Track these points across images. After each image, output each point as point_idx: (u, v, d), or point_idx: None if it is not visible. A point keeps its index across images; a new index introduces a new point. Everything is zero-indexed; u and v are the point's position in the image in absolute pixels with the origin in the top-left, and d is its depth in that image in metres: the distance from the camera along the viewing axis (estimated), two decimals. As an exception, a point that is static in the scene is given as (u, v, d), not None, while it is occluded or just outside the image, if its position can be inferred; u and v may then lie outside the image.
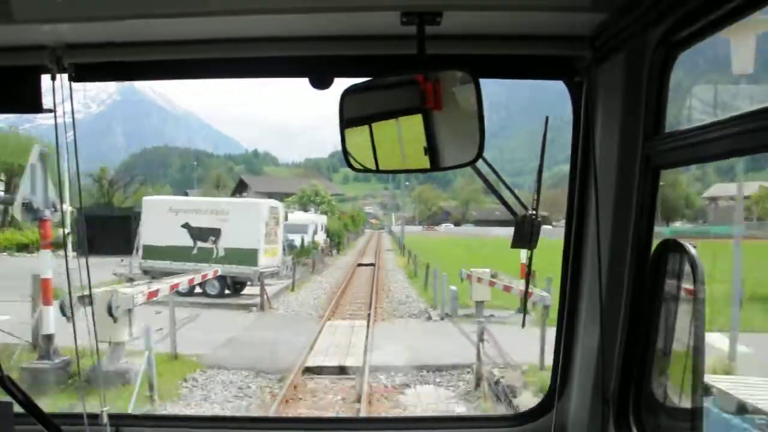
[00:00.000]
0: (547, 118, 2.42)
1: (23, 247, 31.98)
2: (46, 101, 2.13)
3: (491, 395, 10.83)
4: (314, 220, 37.54)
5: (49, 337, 11.85)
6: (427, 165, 1.91)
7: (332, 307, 20.06)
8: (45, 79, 2.10)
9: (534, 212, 2.19)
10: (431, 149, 1.89)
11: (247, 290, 21.68)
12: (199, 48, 2.04)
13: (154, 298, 13.01)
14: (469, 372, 12.39)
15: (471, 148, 1.83)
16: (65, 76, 2.06)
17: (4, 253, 31.74)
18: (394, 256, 37.46)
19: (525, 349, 12.02)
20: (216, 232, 21.60)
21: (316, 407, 11.04)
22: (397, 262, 34.44)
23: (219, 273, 18.54)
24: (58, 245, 13.00)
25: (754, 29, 6.41)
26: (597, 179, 2.10)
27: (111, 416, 2.36)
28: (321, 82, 2.12)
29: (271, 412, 10.50)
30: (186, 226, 21.54)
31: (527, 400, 9.70)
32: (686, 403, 1.87)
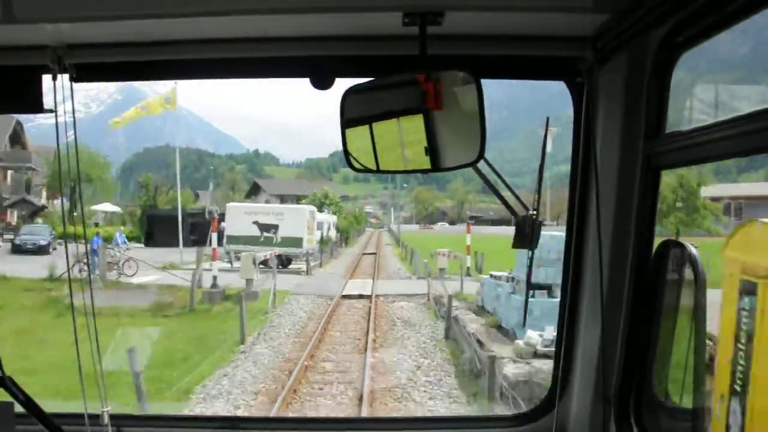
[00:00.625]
0: (547, 119, 2.42)
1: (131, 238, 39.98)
2: (47, 101, 2.13)
3: (432, 303, 21.63)
4: (328, 219, 46.20)
5: (215, 277, 23.45)
6: (428, 165, 1.91)
7: (350, 273, 31.20)
8: (46, 79, 2.10)
9: (535, 212, 2.19)
10: (432, 150, 1.88)
11: (292, 265, 32.47)
12: (200, 48, 2.04)
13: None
14: (424, 296, 23.16)
15: (472, 149, 1.82)
16: (66, 76, 2.06)
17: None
18: (391, 249, 47.75)
19: (456, 289, 23.15)
20: (276, 227, 32.82)
21: (348, 314, 20.18)
22: (394, 252, 45.40)
23: (277, 253, 28.98)
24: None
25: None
26: (598, 180, 2.10)
27: (112, 416, 2.36)
28: (322, 82, 2.11)
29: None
30: (256, 222, 32.82)
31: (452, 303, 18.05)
32: (687, 403, 1.87)
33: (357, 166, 1.95)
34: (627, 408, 2.14)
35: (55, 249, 31.78)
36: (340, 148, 1.97)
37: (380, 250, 44.25)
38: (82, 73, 2.07)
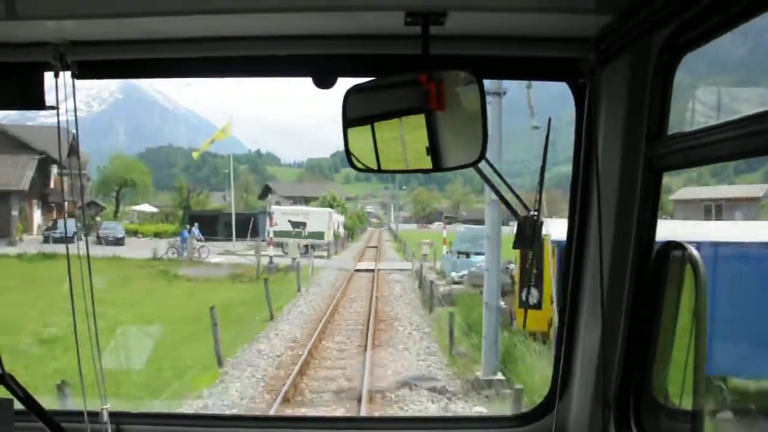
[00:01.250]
0: (549, 120, 2.42)
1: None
2: (49, 98, 2.13)
3: (416, 274, 28.64)
4: (337, 218, 54.36)
5: (271, 257, 32.30)
6: (429, 165, 1.91)
7: (358, 258, 41.25)
8: (48, 76, 2.10)
9: (536, 213, 2.19)
10: (433, 150, 1.88)
11: (315, 253, 39.68)
12: (203, 46, 2.04)
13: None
14: (410, 270, 31.56)
15: (474, 149, 1.82)
16: (68, 73, 2.06)
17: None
18: (390, 243, 58.77)
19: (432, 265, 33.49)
20: (304, 224, 42.72)
21: (360, 280, 28.57)
22: (392, 246, 56.25)
23: (305, 243, 40.16)
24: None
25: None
26: (599, 181, 2.10)
27: (111, 414, 2.36)
28: (324, 81, 2.12)
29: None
30: (290, 221, 42.56)
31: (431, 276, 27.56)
32: (687, 406, 1.87)
33: (358, 165, 1.95)
34: (627, 410, 2.14)
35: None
36: (342, 148, 1.97)
37: (381, 245, 55.26)
38: (84, 71, 2.07)
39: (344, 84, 2.02)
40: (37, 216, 43.12)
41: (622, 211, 2.09)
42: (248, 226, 44.68)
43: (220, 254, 35.34)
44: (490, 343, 12.32)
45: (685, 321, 1.92)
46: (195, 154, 75.72)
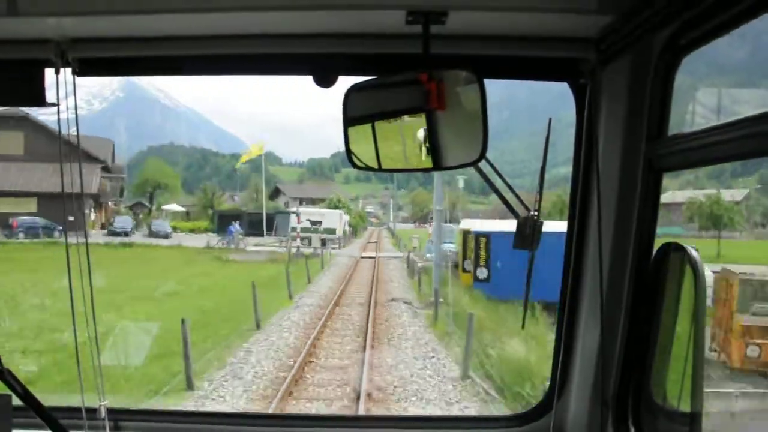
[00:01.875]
0: (550, 120, 2.42)
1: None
2: (49, 95, 2.13)
3: (406, 259, 36.49)
4: (344, 218, 61.56)
5: (298, 247, 41.85)
6: (430, 164, 1.91)
7: (362, 250, 49.72)
8: (48, 73, 2.10)
9: (536, 213, 2.19)
10: (434, 149, 1.89)
11: (328, 245, 46.66)
12: (203, 44, 2.04)
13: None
14: (402, 258, 38.56)
15: (474, 148, 1.82)
16: (69, 70, 2.06)
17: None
18: (388, 240, 67.06)
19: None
20: (320, 223, 49.45)
21: (365, 264, 36.80)
22: (390, 242, 64.13)
23: (322, 237, 46.94)
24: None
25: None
26: (599, 181, 2.10)
27: (110, 410, 2.36)
28: (325, 79, 2.12)
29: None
30: (309, 220, 48.90)
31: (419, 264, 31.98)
32: (686, 406, 1.87)
33: (359, 164, 1.95)
34: (625, 410, 2.14)
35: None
36: (342, 148, 1.97)
37: (380, 241, 64.36)
38: (84, 68, 2.07)
39: (345, 83, 2.02)
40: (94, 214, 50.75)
41: (622, 212, 2.09)
42: (271, 223, 55.96)
43: (255, 245, 44.37)
44: (436, 284, 21.66)
45: (683, 321, 1.92)
46: (237, 165, 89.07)
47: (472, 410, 11.43)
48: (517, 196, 2.24)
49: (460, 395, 11.41)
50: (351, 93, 1.92)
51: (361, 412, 10.94)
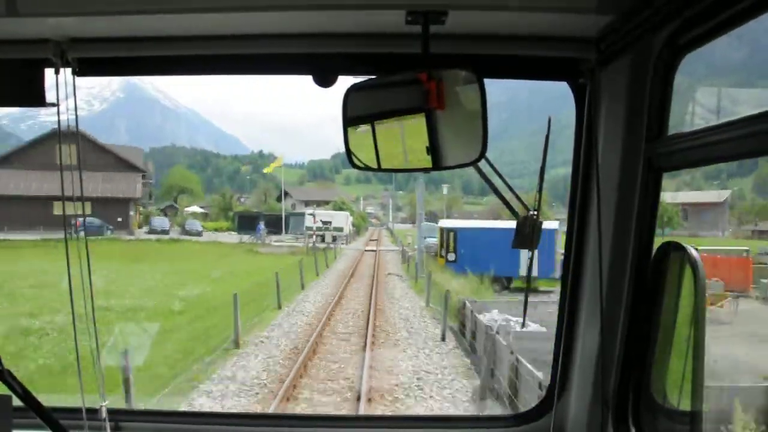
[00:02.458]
0: (549, 119, 2.42)
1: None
2: (49, 96, 2.13)
3: (401, 252, 44.64)
4: (348, 219, 69.69)
5: (314, 241, 49.62)
6: (429, 164, 1.91)
7: (365, 245, 56.70)
8: (48, 73, 2.10)
9: (535, 213, 2.19)
10: (434, 148, 1.88)
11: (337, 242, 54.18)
12: (203, 44, 2.04)
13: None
14: (399, 251, 46.31)
15: (474, 148, 1.82)
16: (68, 70, 2.06)
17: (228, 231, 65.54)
18: (387, 238, 74.07)
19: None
20: (330, 222, 56.20)
21: (369, 255, 45.42)
22: (389, 239, 71.05)
23: (333, 235, 54.29)
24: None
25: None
26: (599, 181, 2.10)
27: (110, 411, 2.36)
28: (324, 79, 2.11)
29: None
30: (320, 221, 55.39)
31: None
32: (686, 406, 1.87)
33: (358, 164, 1.95)
34: (625, 410, 2.14)
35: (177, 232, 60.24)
36: (342, 149, 1.97)
37: (380, 238, 72.13)
38: (84, 68, 2.07)
39: (345, 82, 2.02)
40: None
41: (622, 211, 2.09)
42: (282, 223, 64.77)
43: (275, 242, 53.12)
44: (419, 263, 30.55)
45: (683, 321, 1.92)
46: (266, 170, 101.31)
47: (437, 330, 17.39)
48: (517, 196, 2.24)
49: (422, 312, 21.07)
50: (350, 93, 1.91)
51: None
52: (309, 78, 2.11)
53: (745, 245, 30.16)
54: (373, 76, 1.97)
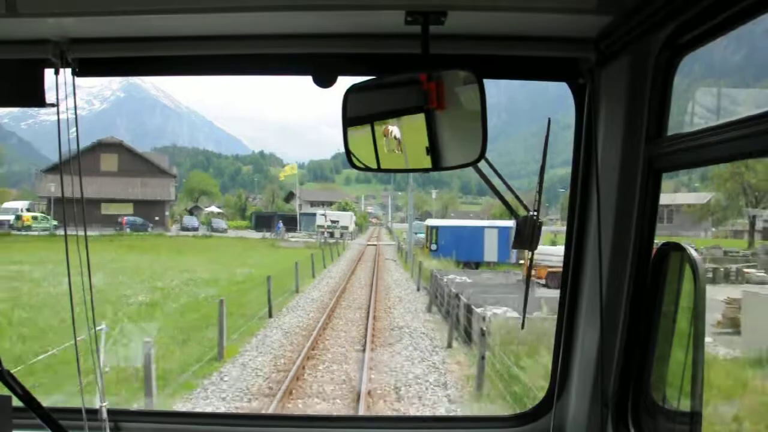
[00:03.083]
0: (549, 120, 2.42)
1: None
2: (49, 96, 2.13)
3: (397, 246, 55.12)
4: (353, 218, 78.32)
5: (326, 237, 59.37)
6: (429, 165, 1.90)
7: (368, 240, 67.28)
8: (48, 73, 2.10)
9: (535, 213, 2.19)
10: (433, 149, 1.88)
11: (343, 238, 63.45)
12: (203, 44, 2.04)
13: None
14: (396, 245, 56.99)
15: (473, 149, 1.82)
16: (68, 70, 2.06)
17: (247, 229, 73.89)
18: (386, 236, 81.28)
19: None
20: (337, 221, 65.79)
21: (370, 249, 55.10)
22: (388, 237, 78.11)
23: (340, 232, 64.41)
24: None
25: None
26: (599, 181, 2.10)
27: (110, 411, 2.36)
28: (324, 79, 2.11)
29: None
30: (329, 219, 64.29)
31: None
32: (685, 407, 1.87)
33: (358, 164, 1.95)
34: (625, 410, 2.14)
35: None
36: (342, 149, 1.97)
37: (380, 236, 79.91)
38: (84, 68, 2.07)
39: (344, 83, 2.02)
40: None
41: (622, 212, 2.09)
42: (296, 222, 73.81)
43: (291, 238, 60.41)
44: (409, 251, 40.60)
45: (683, 322, 1.91)
46: (281, 176, 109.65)
47: (415, 286, 28.31)
48: (517, 197, 2.24)
49: (407, 280, 30.87)
50: (350, 93, 1.91)
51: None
52: (309, 78, 2.12)
53: (730, 245, 37.59)
54: (373, 77, 1.97)
